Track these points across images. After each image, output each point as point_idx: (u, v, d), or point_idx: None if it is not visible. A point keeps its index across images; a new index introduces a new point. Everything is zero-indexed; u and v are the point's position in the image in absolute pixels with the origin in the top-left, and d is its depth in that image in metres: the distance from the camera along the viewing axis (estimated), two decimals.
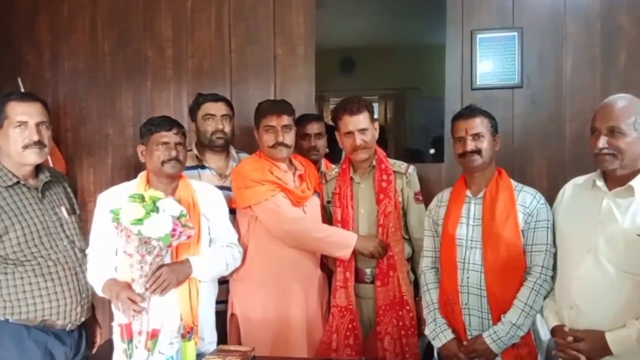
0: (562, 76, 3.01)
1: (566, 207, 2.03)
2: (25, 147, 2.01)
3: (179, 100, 3.39)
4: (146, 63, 3.42)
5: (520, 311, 2.02)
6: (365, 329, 2.45)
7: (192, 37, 3.38)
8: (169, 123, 2.21)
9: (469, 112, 2.18)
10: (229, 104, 2.81)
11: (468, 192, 2.20)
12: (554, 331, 1.94)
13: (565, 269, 1.95)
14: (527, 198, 2.11)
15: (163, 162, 2.15)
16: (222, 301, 2.52)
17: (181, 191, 2.23)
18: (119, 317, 2.00)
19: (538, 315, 2.12)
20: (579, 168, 2.95)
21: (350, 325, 2.39)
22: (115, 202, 2.04)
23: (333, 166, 2.72)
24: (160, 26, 3.41)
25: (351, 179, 2.48)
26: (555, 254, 2.05)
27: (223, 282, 2.47)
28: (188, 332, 2.01)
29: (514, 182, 2.18)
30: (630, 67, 2.93)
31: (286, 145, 2.42)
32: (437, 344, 2.17)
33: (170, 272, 2.03)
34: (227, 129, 2.75)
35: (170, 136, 2.18)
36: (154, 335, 1.82)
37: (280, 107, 2.47)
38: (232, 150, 2.84)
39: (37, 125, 2.04)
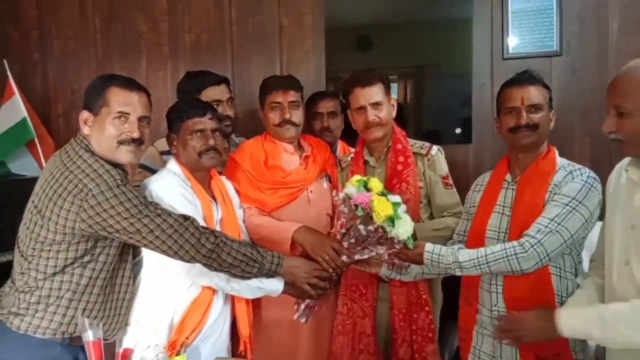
0: (607, 41, 2.68)
1: (607, 202, 1.66)
2: None
3: (176, 78, 3.06)
4: (140, 39, 3.21)
5: (475, 258, 1.69)
6: (382, 335, 2.16)
7: (189, 9, 3.13)
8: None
9: (527, 77, 1.83)
10: (229, 83, 2.53)
11: (508, 176, 1.89)
12: None
13: (606, 283, 1.60)
14: (561, 176, 1.75)
15: (200, 154, 1.95)
16: None
17: (217, 183, 2.07)
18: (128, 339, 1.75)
19: None
20: None
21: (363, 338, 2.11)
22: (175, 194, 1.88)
23: (352, 149, 2.42)
24: None
25: (365, 162, 2.18)
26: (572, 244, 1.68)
27: None
28: (181, 346, 1.75)
29: (562, 163, 1.81)
30: None
31: (294, 124, 2.21)
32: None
33: None
34: (232, 113, 2.47)
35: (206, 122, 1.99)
36: (124, 358, 1.55)
37: (287, 82, 2.26)
38: (232, 135, 2.56)
39: None
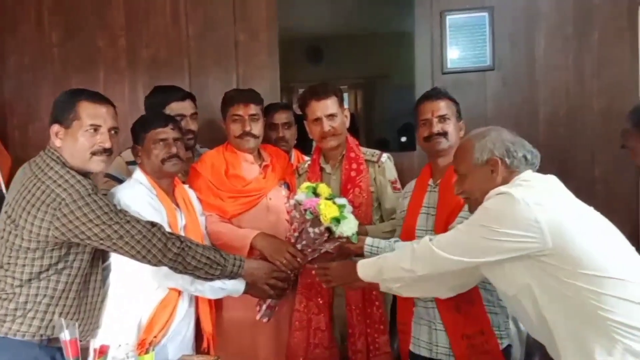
0: (535, 57, 2.95)
1: None
2: None
3: (134, 92, 3.20)
4: (98, 54, 3.23)
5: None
6: (338, 329, 2.31)
7: (146, 25, 3.19)
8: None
9: (435, 93, 2.10)
10: (193, 98, 2.64)
11: (430, 181, 2.10)
12: None
13: None
14: None
15: (163, 160, 2.05)
16: None
17: (180, 192, 2.18)
18: (100, 340, 1.83)
19: None
20: (554, 152, 2.93)
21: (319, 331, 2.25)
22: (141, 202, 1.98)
23: (307, 158, 2.59)
24: (112, 14, 3.21)
25: (321, 169, 2.34)
26: None
27: None
28: (149, 345, 1.85)
29: None
30: (603, 45, 2.87)
31: (254, 136, 2.34)
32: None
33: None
34: (195, 127, 2.58)
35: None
36: (102, 353, 1.65)
37: (248, 95, 2.40)
38: (197, 146, 2.68)
39: None
